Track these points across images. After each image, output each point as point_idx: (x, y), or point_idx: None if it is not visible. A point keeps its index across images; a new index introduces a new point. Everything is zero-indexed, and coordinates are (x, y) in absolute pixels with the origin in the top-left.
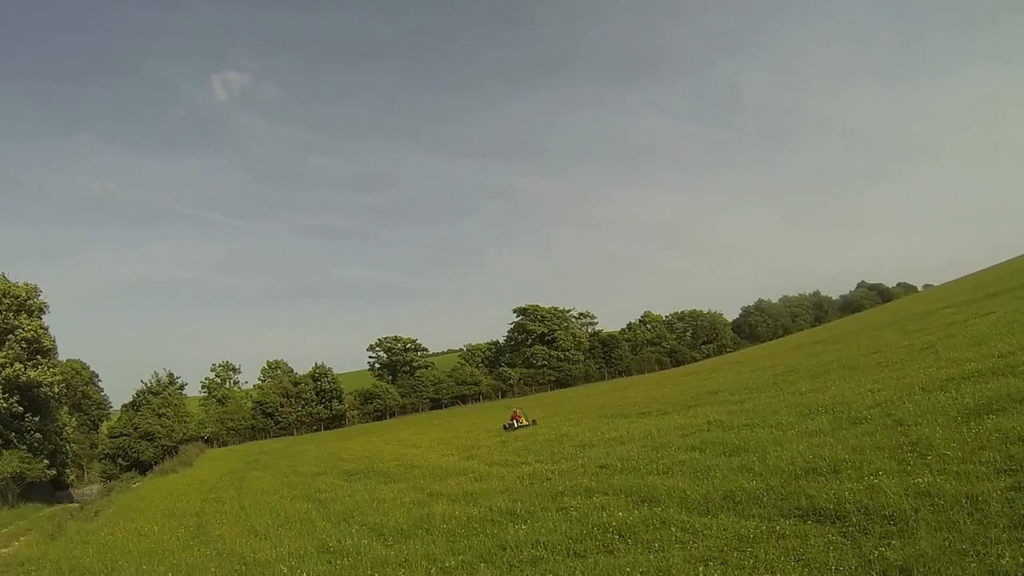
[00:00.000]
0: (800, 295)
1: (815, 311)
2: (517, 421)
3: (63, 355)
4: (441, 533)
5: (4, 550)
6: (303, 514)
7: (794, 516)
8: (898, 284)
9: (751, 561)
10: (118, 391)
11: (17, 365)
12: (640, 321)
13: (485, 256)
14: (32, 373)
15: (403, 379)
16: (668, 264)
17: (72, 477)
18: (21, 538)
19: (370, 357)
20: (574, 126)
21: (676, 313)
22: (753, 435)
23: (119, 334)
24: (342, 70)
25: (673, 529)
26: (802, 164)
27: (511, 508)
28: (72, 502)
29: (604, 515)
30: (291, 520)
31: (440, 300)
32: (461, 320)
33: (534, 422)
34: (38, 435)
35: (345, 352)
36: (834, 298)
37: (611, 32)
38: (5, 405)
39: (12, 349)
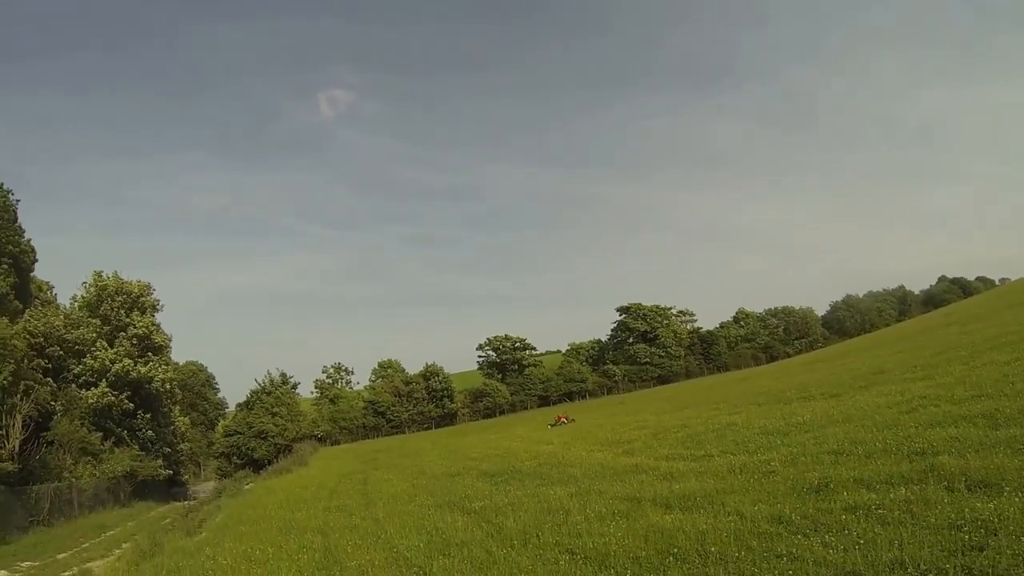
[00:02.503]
0: (884, 290)
1: (899, 305)
2: (564, 419)
3: (181, 359)
4: (710, 561)
5: (97, 563)
6: (463, 532)
7: None
8: (977, 278)
9: None
10: (234, 394)
11: (127, 360)
12: (734, 319)
13: (575, 260)
14: (143, 369)
15: (512, 377)
16: (752, 263)
17: (187, 475)
18: (124, 544)
19: (479, 356)
20: (652, 133)
21: (769, 310)
22: (1016, 404)
23: (235, 340)
24: (435, 85)
25: None
26: (875, 163)
27: (775, 514)
28: (185, 500)
29: (952, 512)
30: (450, 542)
31: (536, 303)
32: (557, 322)
33: (574, 420)
34: (150, 433)
35: (449, 355)
36: (916, 292)
37: (685, 41)
38: (115, 401)
39: (123, 345)
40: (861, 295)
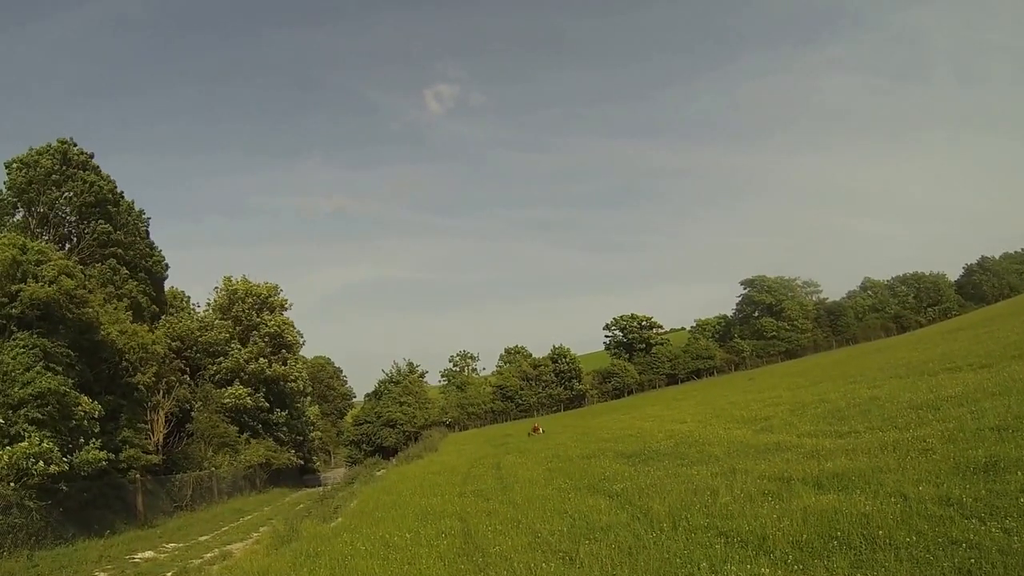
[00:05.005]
0: (1023, 250)
1: None
2: (536, 431)
3: (309, 353)
4: (878, 546)
5: (237, 545)
6: (607, 515)
7: None
8: None
9: None
10: (361, 385)
11: (262, 360)
12: (860, 288)
13: (695, 235)
14: (278, 368)
15: (639, 356)
16: (875, 227)
17: (319, 462)
18: (261, 528)
19: (606, 337)
20: (759, 95)
21: (898, 276)
22: None
23: (361, 333)
24: (536, 70)
25: None
26: (1004, 107)
27: (943, 495)
28: (317, 486)
29: None
30: (594, 526)
31: (662, 281)
32: (681, 300)
33: (544, 431)
34: (283, 425)
35: (575, 337)
36: None
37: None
38: (251, 401)
39: (256, 344)
40: (997, 256)
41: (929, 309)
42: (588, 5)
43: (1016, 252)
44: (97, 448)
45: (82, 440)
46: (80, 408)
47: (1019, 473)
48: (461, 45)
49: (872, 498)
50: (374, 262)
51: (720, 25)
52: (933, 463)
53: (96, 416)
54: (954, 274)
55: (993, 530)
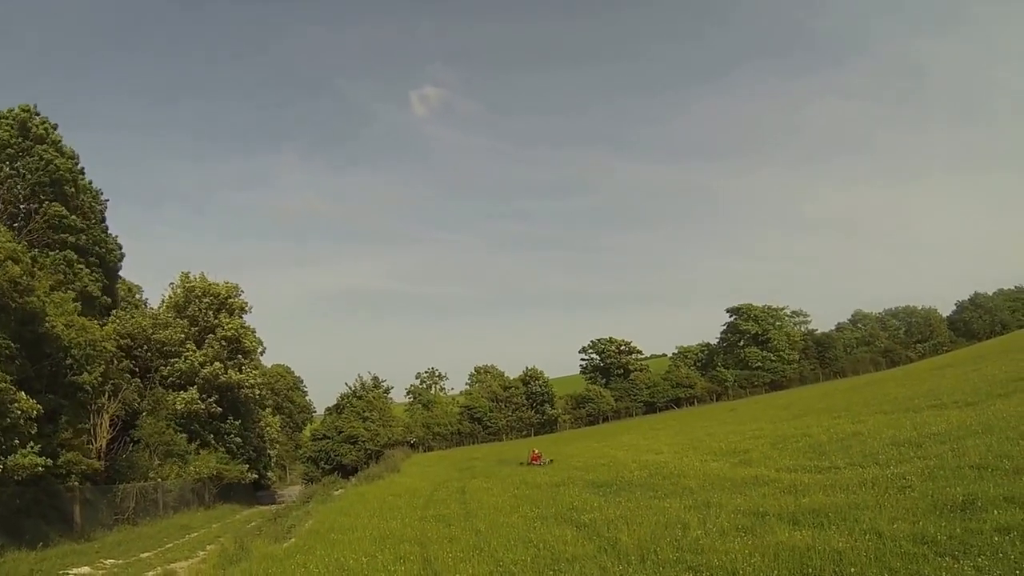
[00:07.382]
0: (1016, 287)
1: None
2: (536, 460)
3: (268, 361)
4: None
5: (182, 564)
6: (573, 546)
7: None
8: None
9: None
10: (322, 399)
11: (216, 364)
12: (850, 320)
13: (681, 258)
14: (233, 375)
15: (616, 382)
16: (868, 259)
17: (274, 479)
18: (208, 546)
19: (582, 360)
20: (753, 117)
21: (888, 310)
22: None
23: (324, 344)
24: (536, 79)
25: None
26: (999, 141)
27: (918, 533)
28: (271, 503)
29: None
30: (559, 557)
31: (642, 305)
32: (663, 325)
33: (551, 461)
34: (237, 437)
35: (549, 359)
36: None
37: (782, 16)
38: (203, 406)
39: (212, 347)
40: (990, 293)
41: (919, 344)
42: (580, 12)
43: (1011, 289)
44: (35, 453)
45: (17, 442)
46: (17, 406)
47: (995, 511)
48: (451, 48)
49: (847, 535)
50: (343, 268)
51: (716, 44)
52: (911, 500)
53: (34, 416)
54: (947, 309)
55: (965, 568)
